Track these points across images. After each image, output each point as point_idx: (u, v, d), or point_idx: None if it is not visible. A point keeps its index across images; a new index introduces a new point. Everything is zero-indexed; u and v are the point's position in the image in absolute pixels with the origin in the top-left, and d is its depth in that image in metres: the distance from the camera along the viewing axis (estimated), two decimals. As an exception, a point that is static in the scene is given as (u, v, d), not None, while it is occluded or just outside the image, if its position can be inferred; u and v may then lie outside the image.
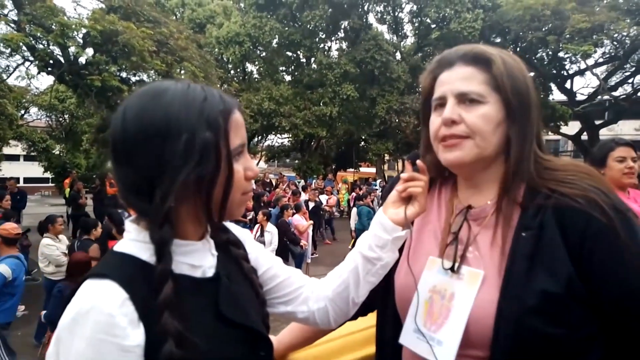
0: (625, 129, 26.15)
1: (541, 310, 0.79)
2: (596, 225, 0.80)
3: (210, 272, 0.80)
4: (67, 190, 13.59)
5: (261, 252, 0.98)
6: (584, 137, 20.66)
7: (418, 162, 0.94)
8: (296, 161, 26.05)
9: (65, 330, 0.66)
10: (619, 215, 0.81)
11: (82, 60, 11.50)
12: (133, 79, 12.78)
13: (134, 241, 0.75)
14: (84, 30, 10.86)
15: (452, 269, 0.92)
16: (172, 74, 11.60)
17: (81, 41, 11.19)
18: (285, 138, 26.46)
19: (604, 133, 19.47)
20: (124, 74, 12.62)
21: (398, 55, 22.61)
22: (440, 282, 0.94)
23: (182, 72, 12.92)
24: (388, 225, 0.94)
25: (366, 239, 0.96)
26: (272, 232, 7.58)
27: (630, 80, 19.71)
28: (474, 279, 0.88)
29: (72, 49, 11.11)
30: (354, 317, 1.08)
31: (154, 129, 0.70)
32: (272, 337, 1.23)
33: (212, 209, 0.74)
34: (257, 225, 7.73)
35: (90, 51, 11.38)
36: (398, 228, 0.94)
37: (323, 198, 13.84)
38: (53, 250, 6.02)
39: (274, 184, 16.75)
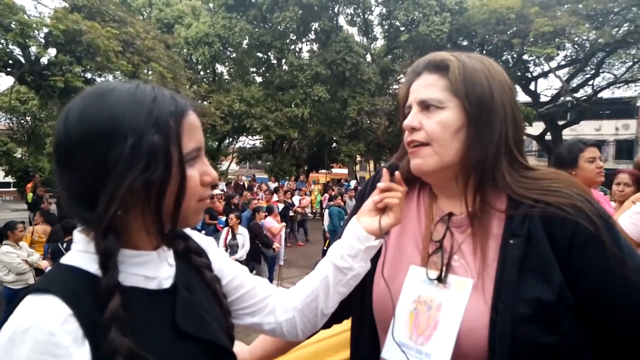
0: (587, 129, 27.21)
1: (535, 318, 0.79)
2: (584, 233, 0.80)
3: (167, 283, 0.75)
4: (30, 194, 13.11)
5: (225, 260, 0.94)
6: (548, 137, 21.34)
7: (396, 173, 0.92)
8: (268, 163, 25.90)
9: (1, 351, 0.60)
10: (604, 223, 0.82)
11: (44, 60, 11.12)
12: (98, 79, 12.44)
13: (82, 252, 0.70)
14: (45, 30, 10.51)
15: (439, 278, 0.90)
16: (139, 74, 11.34)
17: (43, 41, 10.81)
18: (256, 139, 26.30)
19: (567, 133, 20.23)
20: (89, 75, 12.28)
21: (368, 57, 22.81)
22: (425, 293, 0.91)
23: (150, 72, 12.65)
24: (361, 234, 0.91)
25: (338, 248, 0.93)
26: (244, 234, 7.52)
27: (590, 82, 20.54)
28: (463, 288, 0.86)
29: (33, 49, 10.75)
30: (326, 326, 1.05)
31: (98, 132, 0.65)
32: (244, 346, 1.19)
33: (163, 218, 0.70)
34: (227, 229, 7.63)
35: (52, 51, 11.01)
36: (371, 237, 0.91)
37: (296, 199, 13.81)
38: (13, 258, 5.74)
39: (246, 186, 16.57)
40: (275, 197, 12.50)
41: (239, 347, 1.16)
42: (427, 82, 0.92)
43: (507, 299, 0.80)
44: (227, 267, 0.93)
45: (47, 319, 0.61)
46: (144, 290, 0.72)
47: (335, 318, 1.01)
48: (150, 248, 0.74)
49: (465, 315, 0.84)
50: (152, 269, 0.74)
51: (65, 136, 0.67)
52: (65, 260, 0.70)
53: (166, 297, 0.74)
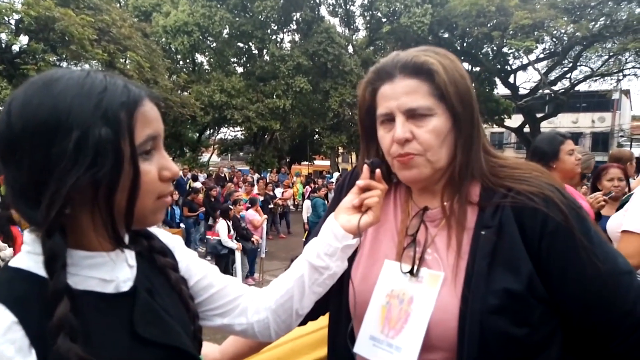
0: (564, 121, 27.78)
1: (504, 309, 0.78)
2: (553, 223, 0.80)
3: (125, 286, 0.70)
4: (3, 187, 12.75)
5: (193, 260, 0.89)
6: (526, 129, 21.69)
7: (377, 171, 0.90)
8: (250, 154, 25.70)
9: None
10: (574, 213, 0.82)
11: (15, 48, 10.77)
12: (74, 69, 12.12)
13: (30, 254, 0.64)
14: (16, 16, 10.18)
15: (411, 272, 0.89)
16: (116, 63, 11.09)
17: (14, 28, 10.47)
18: (238, 131, 26.04)
19: (545, 126, 20.59)
20: (64, 64, 11.96)
21: (350, 49, 22.77)
22: (398, 286, 0.91)
23: (127, 61, 12.38)
24: (339, 233, 0.88)
25: (314, 247, 0.90)
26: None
27: (568, 76, 20.94)
28: (434, 281, 0.86)
29: (3, 36, 10.41)
30: (302, 323, 1.02)
31: (40, 124, 0.60)
32: (214, 346, 1.15)
33: (116, 217, 0.65)
34: (223, 222, 7.54)
35: (24, 39, 10.68)
36: (349, 236, 0.88)
37: (278, 192, 13.74)
38: (-17, 253, 5.58)
39: (227, 177, 16.41)
40: (255, 190, 12.40)
41: (208, 348, 1.12)
42: (407, 88, 0.86)
43: (477, 291, 0.80)
44: (195, 266, 0.88)
45: None
46: (99, 295, 0.67)
47: (311, 315, 0.99)
48: (107, 249, 0.69)
49: (436, 307, 0.84)
50: (108, 271, 0.68)
51: (7, 129, 0.61)
52: (14, 262, 0.65)
53: (125, 301, 0.69)
